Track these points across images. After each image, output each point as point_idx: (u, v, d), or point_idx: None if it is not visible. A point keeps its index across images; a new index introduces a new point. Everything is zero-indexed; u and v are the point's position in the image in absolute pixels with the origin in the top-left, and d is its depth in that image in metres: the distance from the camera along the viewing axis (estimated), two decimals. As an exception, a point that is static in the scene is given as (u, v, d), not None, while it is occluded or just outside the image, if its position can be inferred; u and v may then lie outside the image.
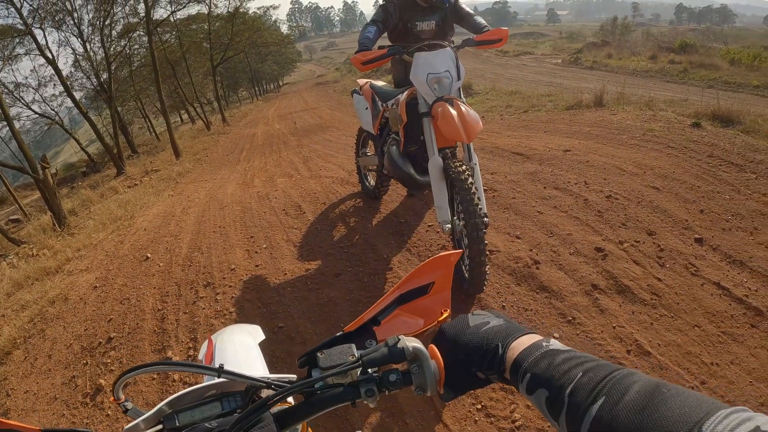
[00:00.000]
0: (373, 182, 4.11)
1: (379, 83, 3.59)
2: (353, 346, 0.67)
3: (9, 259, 7.30)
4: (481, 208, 2.41)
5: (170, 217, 5.64)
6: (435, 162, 2.62)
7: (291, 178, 6.16)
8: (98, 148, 22.54)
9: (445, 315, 0.77)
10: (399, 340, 0.63)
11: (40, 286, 4.62)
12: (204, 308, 3.27)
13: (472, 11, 3.24)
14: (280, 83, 53.41)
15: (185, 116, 31.41)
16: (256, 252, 3.87)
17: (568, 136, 4.82)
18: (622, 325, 2.30)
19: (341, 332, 0.72)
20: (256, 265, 3.63)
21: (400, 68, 3.35)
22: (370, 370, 0.64)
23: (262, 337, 1.31)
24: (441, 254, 0.75)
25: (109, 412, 2.69)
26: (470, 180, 2.43)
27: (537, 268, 2.79)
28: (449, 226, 2.58)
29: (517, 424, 1.92)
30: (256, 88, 44.00)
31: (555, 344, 0.54)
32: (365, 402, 0.63)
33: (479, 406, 2.05)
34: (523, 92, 9.05)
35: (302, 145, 9.22)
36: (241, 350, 1.19)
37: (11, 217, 13.74)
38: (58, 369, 3.22)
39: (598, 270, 2.68)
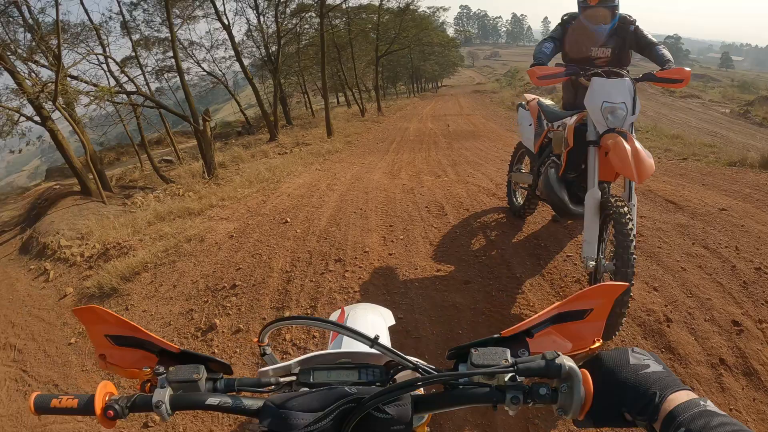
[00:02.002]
0: (521, 200, 4.59)
1: (547, 102, 4.00)
2: (508, 351, 0.82)
3: (156, 194, 9.36)
4: (635, 258, 2.66)
5: (315, 189, 6.74)
6: (593, 195, 2.95)
7: (438, 178, 6.96)
8: (255, 113, 27.52)
9: (597, 344, 0.90)
10: (558, 356, 0.76)
11: (180, 222, 5.95)
12: (330, 281, 3.97)
13: (655, 40, 3.47)
14: (439, 84, 61.52)
15: (342, 99, 37.56)
16: (392, 241, 4.57)
17: (727, 194, 5.01)
18: (739, 409, 2.47)
19: (498, 335, 0.88)
20: (390, 254, 4.31)
21: (571, 90, 3.76)
22: (519, 378, 0.78)
23: (392, 321, 1.60)
24: (607, 283, 0.90)
25: (215, 350, 3.47)
26: (630, 225, 2.68)
27: (668, 326, 3.05)
28: (593, 263, 2.88)
29: None
30: (415, 85, 51.42)
31: (711, 406, 0.63)
32: (506, 408, 0.77)
33: None
34: (684, 138, 9.39)
35: (452, 148, 10.37)
36: (371, 329, 1.45)
37: (164, 158, 17.19)
38: (179, 300, 4.19)
39: (730, 344, 2.86)
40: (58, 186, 14.95)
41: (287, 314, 3.72)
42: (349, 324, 1.37)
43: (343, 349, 1.07)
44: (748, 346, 2.83)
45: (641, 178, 2.73)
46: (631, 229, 2.68)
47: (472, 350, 0.83)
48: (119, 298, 4.71)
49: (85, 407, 0.84)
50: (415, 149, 10.81)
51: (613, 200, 2.81)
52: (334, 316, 1.58)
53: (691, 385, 2.65)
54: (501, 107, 18.74)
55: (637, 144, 2.82)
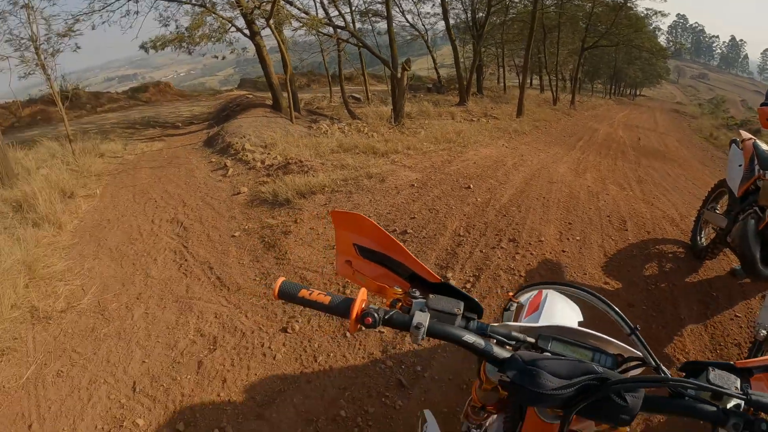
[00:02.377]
0: (705, 242, 4.26)
1: (765, 146, 3.67)
2: (739, 380, 0.87)
3: (341, 126, 9.78)
4: None
5: (500, 164, 6.63)
6: None
7: (623, 191, 6.60)
8: (448, 74, 27.79)
9: None
10: None
11: (363, 158, 6.11)
12: (499, 257, 3.87)
13: None
14: (638, 92, 58.62)
15: (535, 82, 36.36)
16: (568, 239, 4.41)
17: None
18: None
19: (733, 363, 0.92)
20: (563, 251, 4.17)
21: None
22: (742, 408, 0.84)
23: (579, 318, 1.56)
24: None
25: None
26: None
27: None
28: (765, 332, 2.70)
29: None
30: (613, 87, 48.96)
31: None
32: (722, 431, 0.82)
33: None
34: None
35: (640, 164, 9.83)
36: (564, 320, 1.45)
37: (353, 95, 17.97)
38: (349, 232, 4.50)
39: None
40: (251, 96, 16.19)
41: (449, 275, 3.71)
42: (545, 307, 1.49)
43: (585, 329, 1.10)
44: None
45: None
46: None
47: (710, 368, 0.89)
48: (290, 210, 4.93)
49: (339, 307, 0.92)
50: (601, 153, 10.44)
51: None
52: (528, 295, 1.59)
53: None
54: (698, 135, 17.52)
55: None
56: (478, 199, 4.95)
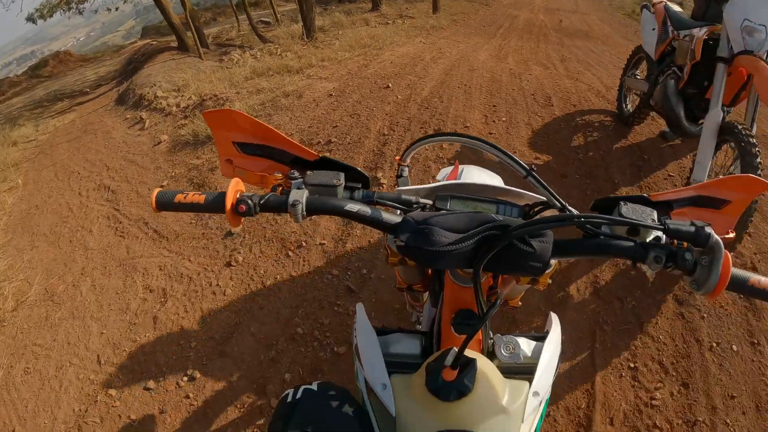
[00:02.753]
0: (631, 108, 4.41)
1: (676, 7, 3.74)
2: (656, 212, 0.86)
3: (253, 52, 9.44)
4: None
5: (419, 60, 6.55)
6: (715, 116, 2.86)
7: (546, 70, 6.67)
8: None
9: (730, 235, 0.93)
10: (708, 225, 0.78)
11: (278, 79, 5.94)
12: (427, 149, 3.89)
13: None
14: None
15: None
16: (494, 121, 4.48)
17: None
18: None
19: (647, 195, 0.92)
20: (490, 133, 4.24)
21: (704, 1, 3.46)
22: (664, 240, 0.82)
23: (500, 183, 1.67)
24: (752, 177, 0.90)
25: None
26: (759, 158, 2.58)
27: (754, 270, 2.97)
28: None
29: (653, 402, 2.41)
30: None
31: None
32: (644, 267, 0.80)
33: (632, 365, 2.53)
34: None
35: (563, 44, 9.91)
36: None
37: (262, 19, 17.24)
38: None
39: None
40: (155, 42, 15.43)
41: (380, 175, 3.72)
42: (464, 177, 1.50)
43: (485, 181, 1.09)
44: None
45: None
46: (760, 163, 2.59)
47: (621, 203, 0.86)
48: (212, 146, 4.81)
49: (214, 203, 0.88)
50: (523, 38, 10.42)
51: (740, 127, 2.69)
52: (446, 171, 1.59)
53: (757, 341, 2.67)
54: (620, 12, 17.73)
55: None
56: (399, 97, 4.91)
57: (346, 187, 0.97)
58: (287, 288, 2.98)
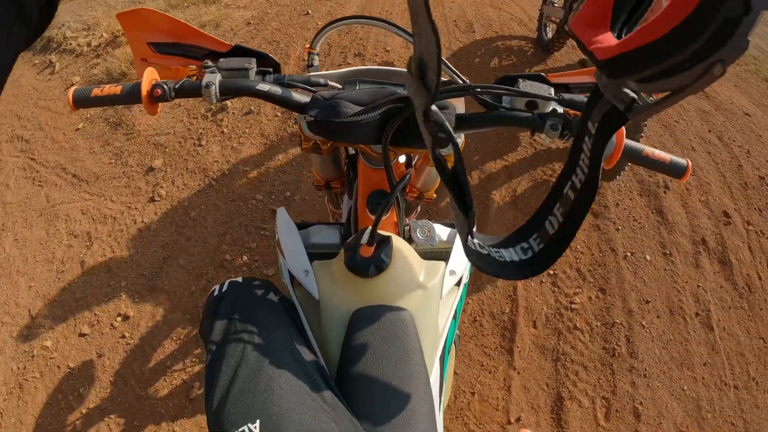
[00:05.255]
0: (551, 35, 4.49)
1: None
2: (553, 88, 0.91)
3: (166, -14, 9.07)
4: (646, 123, 2.74)
5: (340, -13, 6.56)
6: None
7: None
8: None
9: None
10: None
11: (194, 10, 5.69)
12: (341, 40, 4.09)
13: None
14: None
15: None
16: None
17: (755, 104, 5.18)
18: (706, 290, 2.87)
19: (544, 74, 0.96)
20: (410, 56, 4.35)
21: None
22: (561, 110, 0.87)
23: None
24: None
25: (224, 130, 3.52)
26: None
27: (664, 192, 3.37)
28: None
29: (573, 306, 2.66)
30: None
31: None
32: (543, 136, 0.86)
33: (551, 272, 2.78)
34: None
35: None
36: None
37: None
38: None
39: (715, 230, 3.22)
40: (62, -17, 14.49)
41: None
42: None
43: (393, 68, 1.09)
44: (731, 239, 3.19)
45: None
46: None
47: (520, 80, 0.91)
48: (127, 82, 4.66)
49: (131, 92, 0.88)
50: None
51: None
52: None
53: (669, 251, 3.05)
54: None
55: None
56: (319, 24, 4.82)
57: (258, 72, 1.00)
58: (212, 217, 2.96)
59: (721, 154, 3.88)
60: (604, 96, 0.54)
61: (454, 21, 5.16)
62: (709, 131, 4.14)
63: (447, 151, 0.97)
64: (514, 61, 4.44)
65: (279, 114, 3.56)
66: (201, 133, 3.53)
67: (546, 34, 4.63)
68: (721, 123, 4.32)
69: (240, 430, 0.77)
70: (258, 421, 0.77)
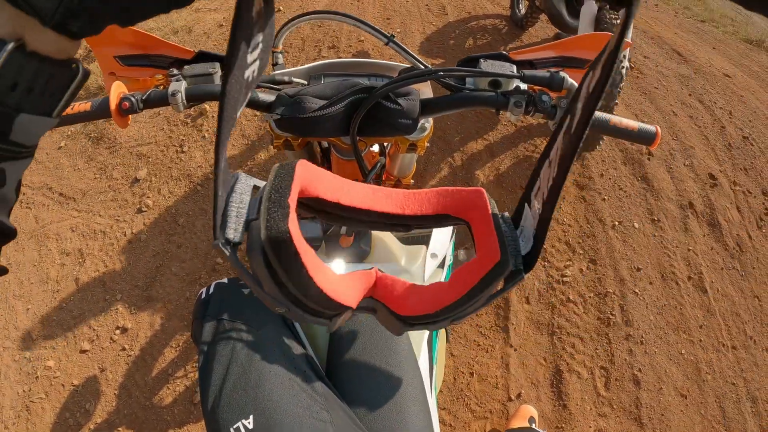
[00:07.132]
0: (524, 11, 4.52)
1: None
2: (515, 66, 0.93)
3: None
4: (620, 91, 2.75)
5: (308, -22, 6.54)
6: (590, 8, 2.98)
7: None
8: None
9: None
10: (562, 71, 0.87)
11: (166, 16, 5.82)
12: (311, 35, 4.14)
13: None
14: None
15: None
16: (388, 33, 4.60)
17: (735, 64, 5.22)
18: (697, 253, 2.92)
19: (506, 53, 0.98)
20: (385, 45, 4.36)
21: None
22: (524, 87, 0.88)
23: None
24: (603, 33, 0.95)
25: (206, 134, 3.52)
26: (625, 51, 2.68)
27: (648, 159, 3.40)
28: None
29: (564, 278, 2.71)
30: None
31: None
32: (507, 113, 0.87)
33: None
34: (708, 2, 8.95)
35: None
36: None
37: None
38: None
39: (702, 193, 3.26)
40: None
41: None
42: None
43: (361, 59, 1.13)
44: (718, 200, 3.24)
45: None
46: (625, 56, 2.81)
47: (482, 60, 0.93)
48: (103, 95, 4.65)
49: (100, 107, 0.91)
50: None
51: (609, 16, 2.80)
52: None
53: (657, 216, 3.10)
54: None
55: None
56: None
57: (222, 75, 1.00)
58: (201, 222, 2.98)
59: (703, 117, 3.90)
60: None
61: (427, 5, 5.16)
62: (690, 95, 4.16)
63: (416, 137, 1.01)
64: (489, 40, 4.46)
65: (258, 114, 3.58)
66: (182, 139, 3.54)
67: (519, 10, 4.64)
68: (701, 86, 4.33)
69: (234, 426, 0.80)
70: (251, 416, 0.80)
